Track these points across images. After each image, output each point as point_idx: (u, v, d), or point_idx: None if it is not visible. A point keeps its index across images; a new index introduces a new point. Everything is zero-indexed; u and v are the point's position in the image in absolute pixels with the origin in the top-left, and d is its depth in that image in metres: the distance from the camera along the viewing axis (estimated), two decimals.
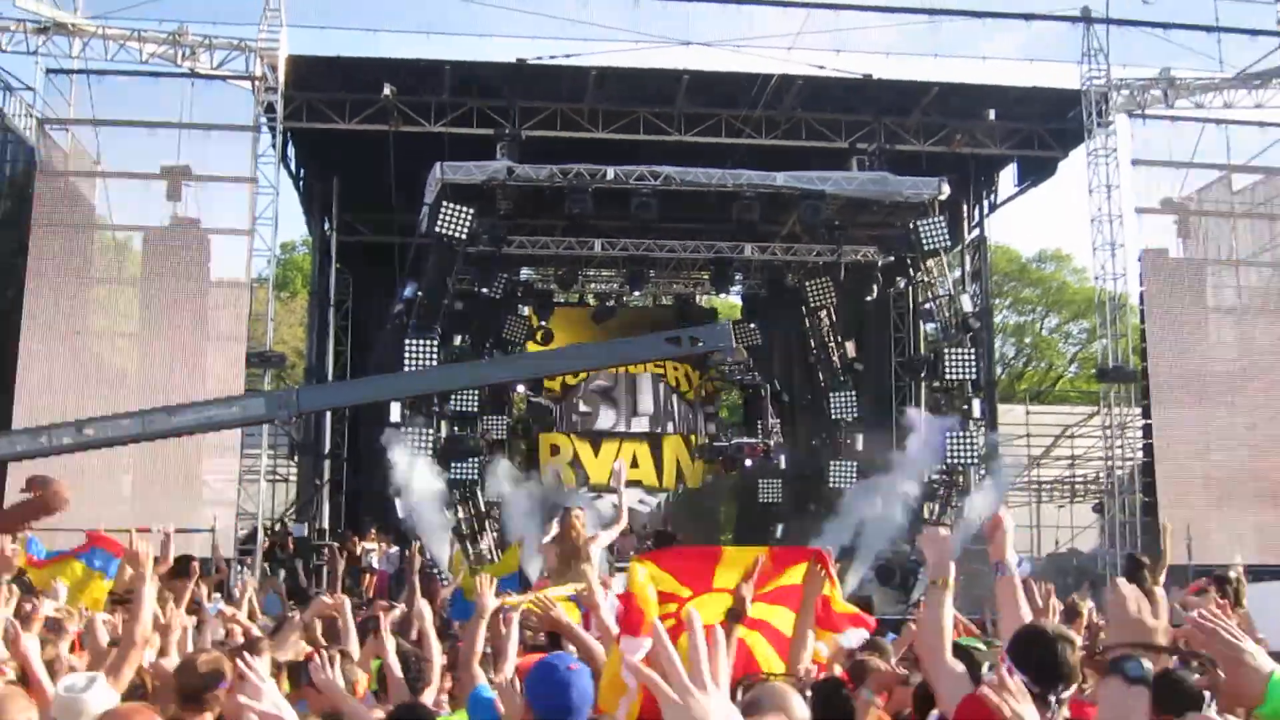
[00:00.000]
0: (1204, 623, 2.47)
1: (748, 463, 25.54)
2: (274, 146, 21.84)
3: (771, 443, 25.50)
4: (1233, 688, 2.40)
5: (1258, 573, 19.80)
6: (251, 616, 9.79)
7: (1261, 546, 21.94)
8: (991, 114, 23.55)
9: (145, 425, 14.69)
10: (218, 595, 11.63)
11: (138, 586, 5.63)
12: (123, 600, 8.54)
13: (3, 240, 21.40)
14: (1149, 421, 23.11)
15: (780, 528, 27.59)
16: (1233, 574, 10.69)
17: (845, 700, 4.61)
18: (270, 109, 21.08)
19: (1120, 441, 23.12)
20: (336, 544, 20.35)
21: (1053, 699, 3.44)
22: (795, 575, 5.77)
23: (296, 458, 25.48)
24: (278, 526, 22.72)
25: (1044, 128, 24.67)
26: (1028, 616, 4.37)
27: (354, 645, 7.28)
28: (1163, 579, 10.99)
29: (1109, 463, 23.41)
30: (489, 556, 21.73)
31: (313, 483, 24.02)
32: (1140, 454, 23.52)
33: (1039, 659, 3.51)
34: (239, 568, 19.19)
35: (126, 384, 20.73)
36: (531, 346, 27.00)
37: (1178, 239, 24.06)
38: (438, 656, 6.40)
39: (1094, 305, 27.66)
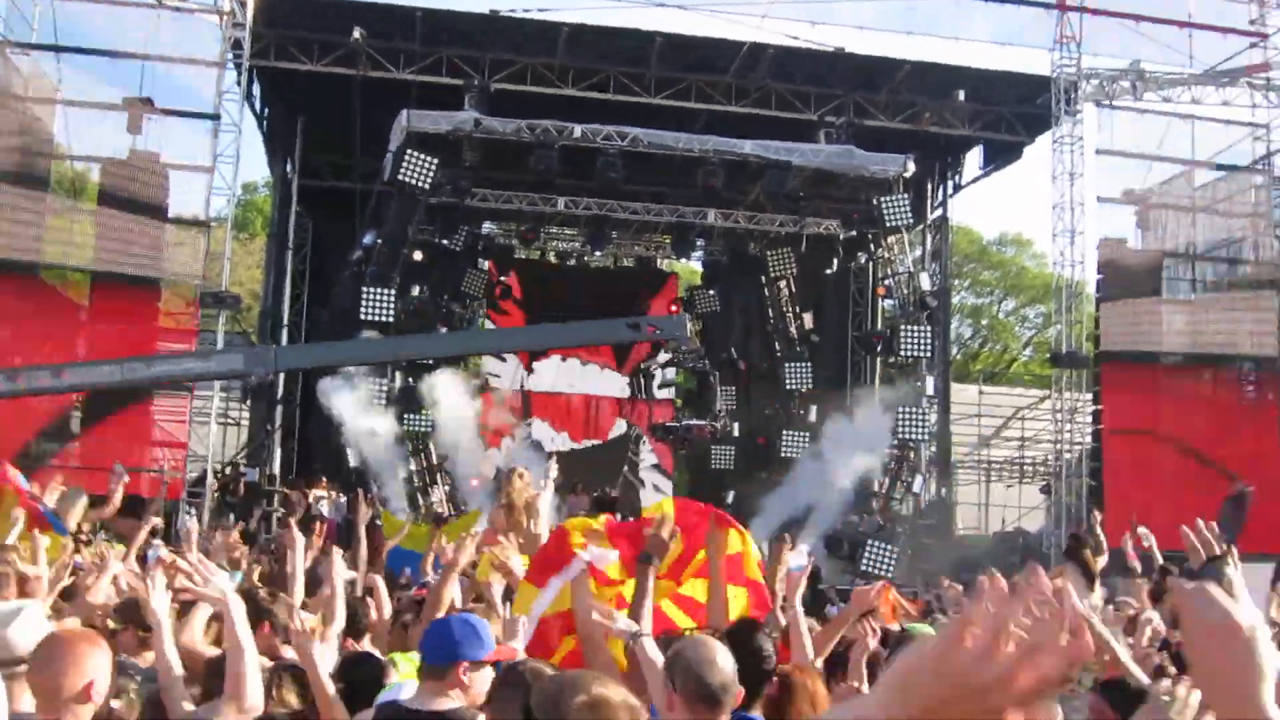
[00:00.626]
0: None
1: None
2: (239, 84, 21.61)
3: (719, 425, 25.75)
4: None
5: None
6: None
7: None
8: (961, 95, 23.61)
9: (124, 373, 15.43)
10: (157, 541, 11.52)
11: None
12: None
13: None
14: (1099, 407, 23.39)
15: (731, 494, 27.73)
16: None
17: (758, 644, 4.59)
18: (237, 45, 20.78)
19: (1070, 426, 23.36)
20: (292, 489, 20.30)
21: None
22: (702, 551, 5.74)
23: (249, 401, 25.28)
24: (229, 470, 22.56)
25: (1012, 112, 24.76)
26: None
27: (299, 589, 7.20)
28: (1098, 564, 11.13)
29: (1058, 446, 23.65)
30: (441, 511, 21.74)
31: (264, 428, 23.86)
32: (1089, 439, 23.80)
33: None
34: (188, 510, 19.09)
35: (79, 316, 20.53)
36: (492, 306, 27.00)
37: (1137, 230, 24.29)
38: (386, 605, 6.46)
39: (1051, 291, 27.90)
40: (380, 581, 7.35)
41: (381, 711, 4.22)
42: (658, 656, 3.46)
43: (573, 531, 5.47)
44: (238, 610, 4.06)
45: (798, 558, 7.37)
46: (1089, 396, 23.91)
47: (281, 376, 24.12)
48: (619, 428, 28.71)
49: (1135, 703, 3.50)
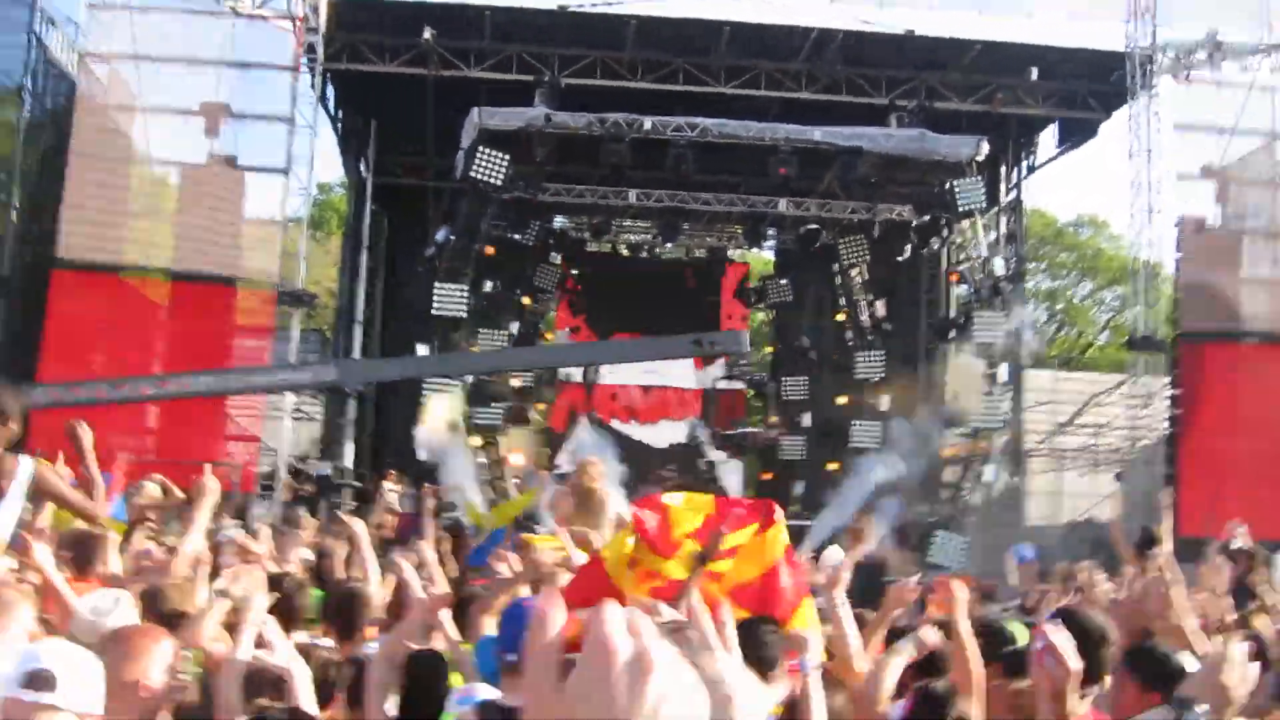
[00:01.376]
0: None
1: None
2: (313, 87, 21.88)
3: (775, 434, 25.79)
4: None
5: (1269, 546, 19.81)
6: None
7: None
8: (1034, 73, 23.29)
9: (225, 383, 15.83)
10: (234, 520, 11.71)
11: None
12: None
13: (43, 171, 21.51)
14: (1176, 393, 22.99)
15: (801, 486, 27.66)
16: (1239, 544, 10.79)
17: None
18: (311, 49, 21.10)
19: (1146, 412, 22.99)
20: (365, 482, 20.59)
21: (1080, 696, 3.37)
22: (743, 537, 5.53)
23: (322, 396, 25.62)
24: (297, 468, 22.89)
25: (1086, 88, 24.40)
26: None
27: (374, 574, 7.29)
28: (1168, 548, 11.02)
29: (1133, 433, 23.30)
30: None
31: (337, 422, 24.15)
32: (1165, 425, 23.40)
33: (1084, 655, 3.43)
34: (263, 503, 19.39)
35: (159, 314, 20.92)
36: (564, 298, 27.25)
37: (1216, 206, 23.79)
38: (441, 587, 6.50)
39: (1128, 273, 27.48)
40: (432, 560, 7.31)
41: (486, 712, 4.21)
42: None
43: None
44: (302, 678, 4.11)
45: (833, 555, 7.38)
46: (1166, 381, 23.50)
47: None
48: (687, 420, 28.70)
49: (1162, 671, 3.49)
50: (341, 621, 6.24)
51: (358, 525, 7.86)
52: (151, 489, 8.32)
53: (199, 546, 6.09)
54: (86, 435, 6.44)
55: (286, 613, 6.02)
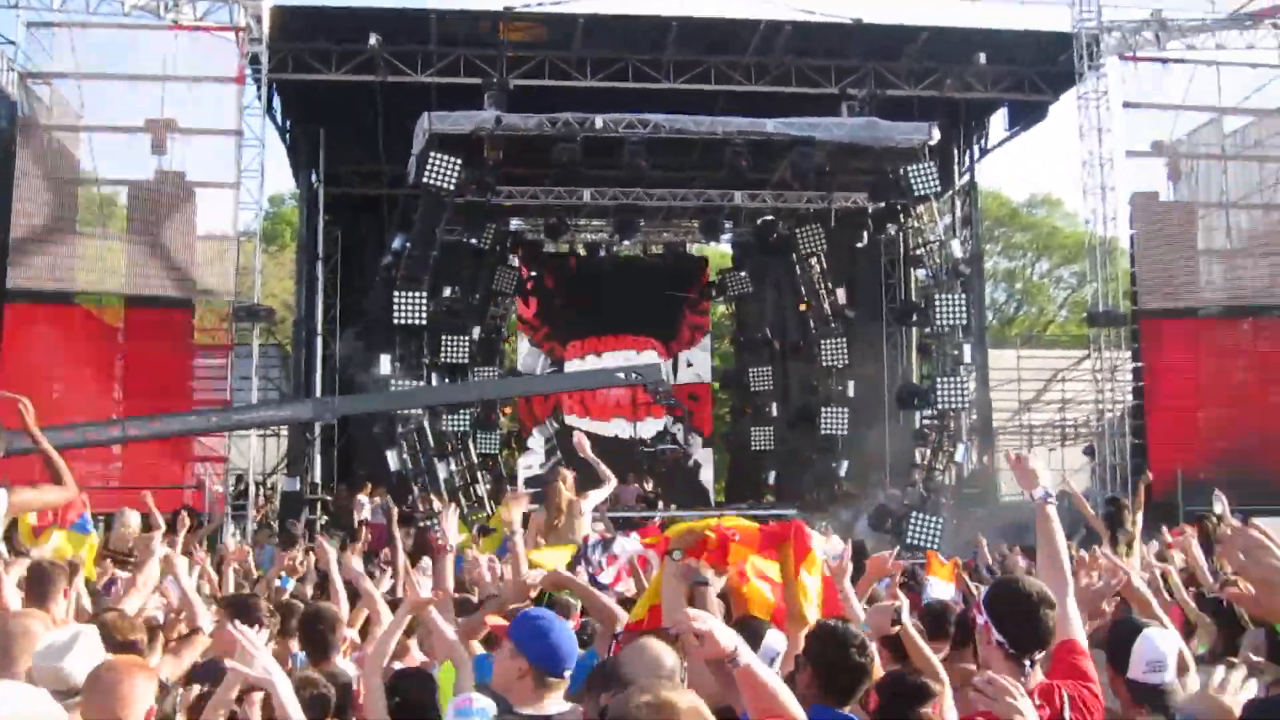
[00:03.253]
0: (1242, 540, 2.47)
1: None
2: (259, 98, 21.67)
3: (688, 449, 27.64)
4: (1261, 603, 2.43)
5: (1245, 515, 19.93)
6: (247, 575, 9.77)
7: (1251, 489, 22.16)
8: (982, 57, 23.35)
9: (207, 421, 18.14)
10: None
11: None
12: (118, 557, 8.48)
13: None
14: (1139, 365, 23.20)
15: (772, 475, 27.72)
16: (1217, 514, 10.84)
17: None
18: (255, 60, 20.88)
19: (1110, 385, 23.19)
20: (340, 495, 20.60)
21: (1027, 663, 3.37)
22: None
23: None
24: (261, 489, 22.74)
25: (1035, 71, 24.51)
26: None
27: (343, 602, 7.15)
28: (1138, 523, 11.11)
29: (1099, 406, 23.49)
30: (487, 509, 21.87)
31: (304, 437, 23.99)
32: (1130, 397, 23.62)
33: (1020, 623, 3.42)
34: (230, 524, 19.24)
35: (116, 339, 20.72)
36: (523, 301, 27.20)
37: (1168, 182, 24.01)
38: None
39: (1084, 249, 27.67)
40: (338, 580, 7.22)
41: None
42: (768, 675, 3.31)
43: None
44: (284, 689, 3.94)
45: (833, 545, 7.33)
46: (1128, 354, 23.73)
47: (319, 378, 24.35)
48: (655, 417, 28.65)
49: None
50: (314, 640, 6.14)
51: (327, 549, 7.77)
52: (131, 518, 8.17)
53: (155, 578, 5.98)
54: (29, 411, 6.41)
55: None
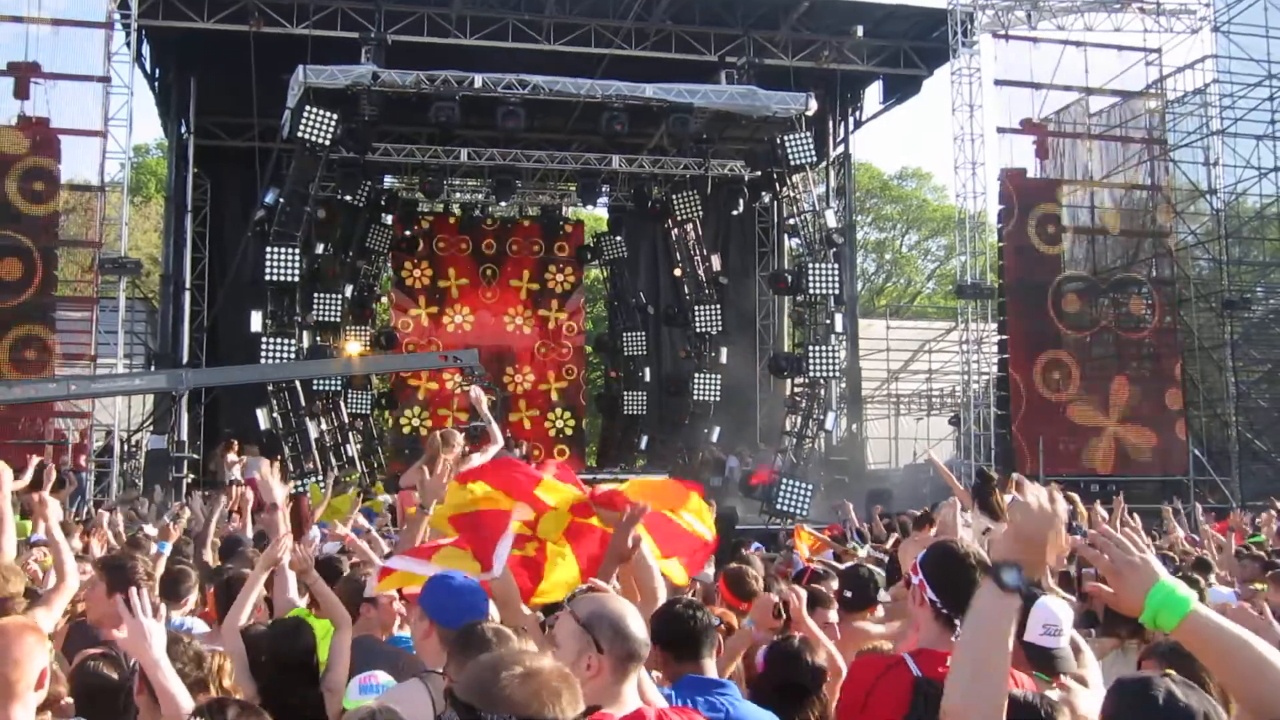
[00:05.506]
0: (1096, 540, 2.54)
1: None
2: (128, 45, 21.07)
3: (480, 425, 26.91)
4: (1117, 599, 2.51)
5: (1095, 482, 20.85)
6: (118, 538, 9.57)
7: (1113, 458, 23.05)
8: (859, 30, 23.68)
9: (69, 388, 18.50)
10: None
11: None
12: None
13: None
14: (1004, 337, 23.84)
15: (645, 439, 27.88)
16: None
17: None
18: (124, 4, 20.29)
19: (976, 356, 23.79)
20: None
21: (958, 622, 3.43)
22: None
23: (154, 367, 24.83)
24: (134, 439, 22.22)
25: (910, 45, 24.92)
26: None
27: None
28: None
29: (965, 377, 24.09)
30: (359, 469, 21.71)
31: (170, 395, 23.48)
32: (995, 369, 24.28)
33: (954, 584, 3.49)
34: (87, 479, 18.81)
35: None
36: (397, 260, 26.93)
37: (1036, 159, 24.66)
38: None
39: (953, 223, 28.29)
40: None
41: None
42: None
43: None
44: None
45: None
46: (994, 327, 24.38)
47: (186, 334, 23.82)
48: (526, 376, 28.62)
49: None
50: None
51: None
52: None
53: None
54: None
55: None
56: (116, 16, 20.40)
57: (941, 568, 3.57)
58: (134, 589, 3.78)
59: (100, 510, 11.54)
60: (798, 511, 20.90)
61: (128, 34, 20.88)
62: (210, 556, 8.01)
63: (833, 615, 5.16)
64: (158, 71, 24.59)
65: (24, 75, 20.02)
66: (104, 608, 4.86)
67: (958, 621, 3.40)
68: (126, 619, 3.55)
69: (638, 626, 3.25)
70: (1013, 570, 2.48)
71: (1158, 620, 2.40)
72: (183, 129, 24.56)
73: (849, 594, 5.81)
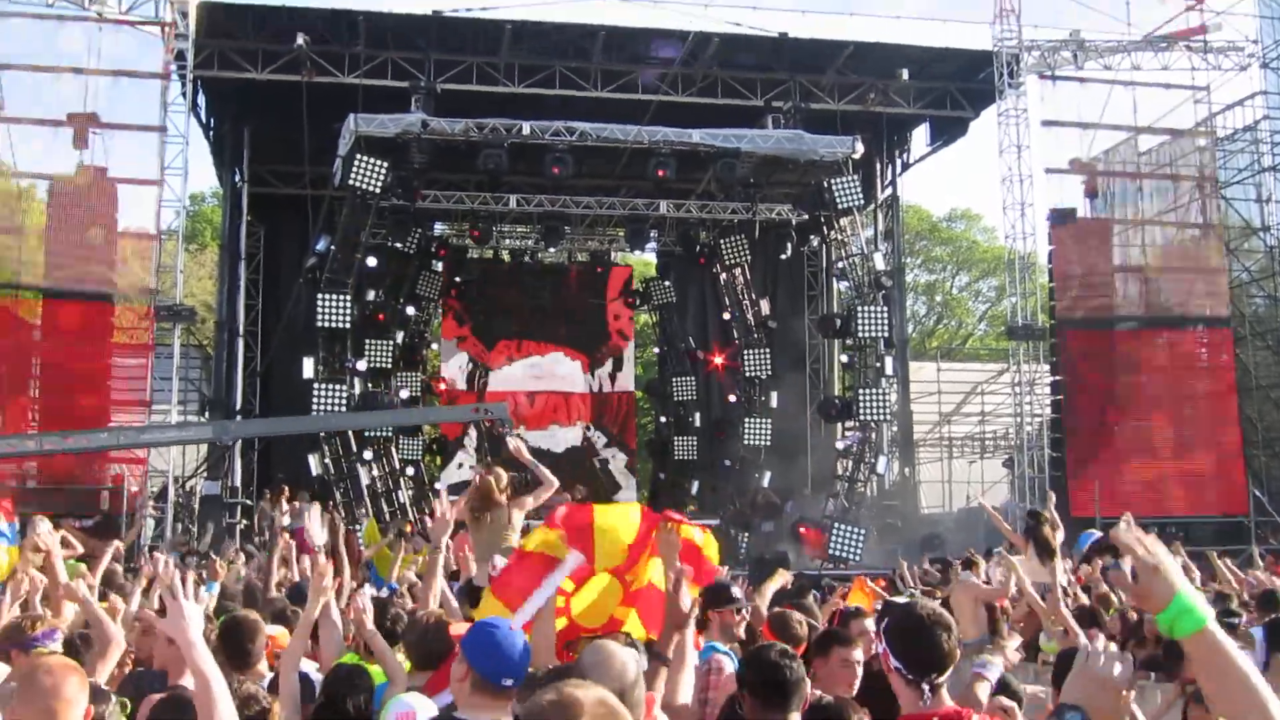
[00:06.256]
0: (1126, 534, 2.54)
1: None
2: (184, 95, 21.47)
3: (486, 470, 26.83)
4: (1142, 592, 2.51)
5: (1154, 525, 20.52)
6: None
7: (1170, 499, 22.73)
8: (905, 73, 23.74)
9: (119, 438, 18.57)
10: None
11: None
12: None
13: None
14: (1057, 378, 23.63)
15: (695, 484, 27.81)
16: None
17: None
18: (180, 56, 20.68)
19: (1029, 398, 23.60)
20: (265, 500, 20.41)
21: (926, 686, 3.37)
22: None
23: (207, 414, 25.13)
24: (188, 484, 22.46)
25: (956, 87, 24.94)
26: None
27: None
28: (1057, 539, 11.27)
29: (1018, 419, 23.89)
30: (410, 516, 21.75)
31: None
32: (1048, 410, 24.05)
33: (913, 646, 3.42)
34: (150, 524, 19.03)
35: (32, 334, 20.35)
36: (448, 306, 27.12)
37: (1085, 199, 24.54)
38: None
39: (1003, 264, 28.13)
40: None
41: None
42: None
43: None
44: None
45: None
46: (1046, 368, 24.17)
47: (240, 380, 24.13)
48: (579, 424, 28.63)
49: None
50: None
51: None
52: (43, 528, 7.90)
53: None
54: None
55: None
56: (173, 68, 20.80)
57: (900, 632, 3.47)
58: (176, 575, 3.81)
59: (154, 554, 11.66)
60: (850, 557, 20.76)
61: (184, 84, 21.28)
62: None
63: (857, 654, 5.08)
64: (212, 121, 25.05)
65: (82, 125, 20.40)
66: (167, 653, 4.89)
67: (925, 686, 3.32)
68: (168, 601, 3.57)
69: None
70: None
71: (1173, 627, 2.44)
72: (237, 177, 24.98)
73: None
